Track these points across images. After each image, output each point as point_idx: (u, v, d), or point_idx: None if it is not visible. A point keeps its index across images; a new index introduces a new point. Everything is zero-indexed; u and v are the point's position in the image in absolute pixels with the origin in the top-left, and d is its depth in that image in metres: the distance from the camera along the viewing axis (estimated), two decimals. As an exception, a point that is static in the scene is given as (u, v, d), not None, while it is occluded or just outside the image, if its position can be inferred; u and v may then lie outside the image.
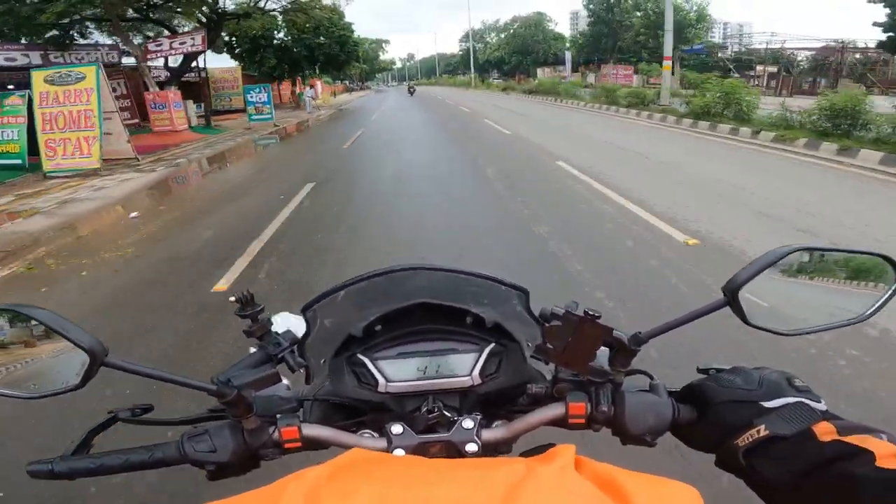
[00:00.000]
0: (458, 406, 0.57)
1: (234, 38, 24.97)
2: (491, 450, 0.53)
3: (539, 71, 56.51)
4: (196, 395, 0.49)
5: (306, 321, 0.58)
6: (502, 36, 69.49)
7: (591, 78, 44.64)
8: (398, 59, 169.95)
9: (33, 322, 0.44)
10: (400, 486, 0.35)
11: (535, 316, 0.57)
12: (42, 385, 0.48)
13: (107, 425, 0.55)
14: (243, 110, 21.39)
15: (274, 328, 0.58)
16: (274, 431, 0.52)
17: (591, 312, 0.47)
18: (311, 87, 22.33)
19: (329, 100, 30.81)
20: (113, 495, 1.73)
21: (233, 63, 26.51)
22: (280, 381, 0.53)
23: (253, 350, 0.57)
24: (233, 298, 0.55)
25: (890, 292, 0.51)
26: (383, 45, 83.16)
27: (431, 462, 0.42)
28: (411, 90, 44.84)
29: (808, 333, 0.52)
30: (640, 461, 0.50)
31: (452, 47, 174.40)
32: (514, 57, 60.46)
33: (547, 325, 0.49)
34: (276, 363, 0.55)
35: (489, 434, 0.53)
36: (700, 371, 0.55)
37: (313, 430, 0.52)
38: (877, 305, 0.51)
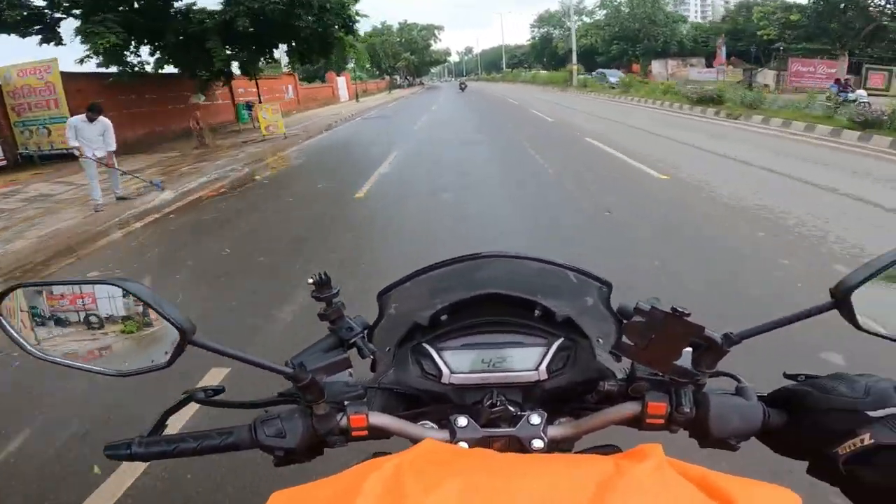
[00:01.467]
0: (521, 401, 0.55)
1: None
2: (554, 448, 0.52)
3: (656, 64, 39.43)
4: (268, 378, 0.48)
5: (379, 307, 0.58)
6: (588, 19, 52.20)
7: (765, 77, 27.40)
8: (455, 53, 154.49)
9: (129, 298, 0.45)
10: (485, 479, 0.34)
11: (613, 311, 0.56)
12: (131, 362, 0.48)
13: (181, 405, 0.55)
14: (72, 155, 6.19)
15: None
16: (342, 418, 0.51)
17: (679, 310, 0.45)
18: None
19: (279, 122, 12.79)
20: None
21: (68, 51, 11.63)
22: (350, 366, 0.53)
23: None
24: (310, 280, 0.54)
25: None
26: (436, 31, 67.81)
27: (509, 456, 0.42)
28: (462, 86, 41.88)
29: None
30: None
31: (517, 39, 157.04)
32: (616, 45, 43.15)
33: (627, 321, 0.47)
34: (347, 348, 0.54)
35: (555, 431, 0.51)
36: (787, 377, 0.53)
37: (380, 419, 0.52)
38: None
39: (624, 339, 0.47)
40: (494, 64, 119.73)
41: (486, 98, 28.02)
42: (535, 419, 0.51)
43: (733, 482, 0.33)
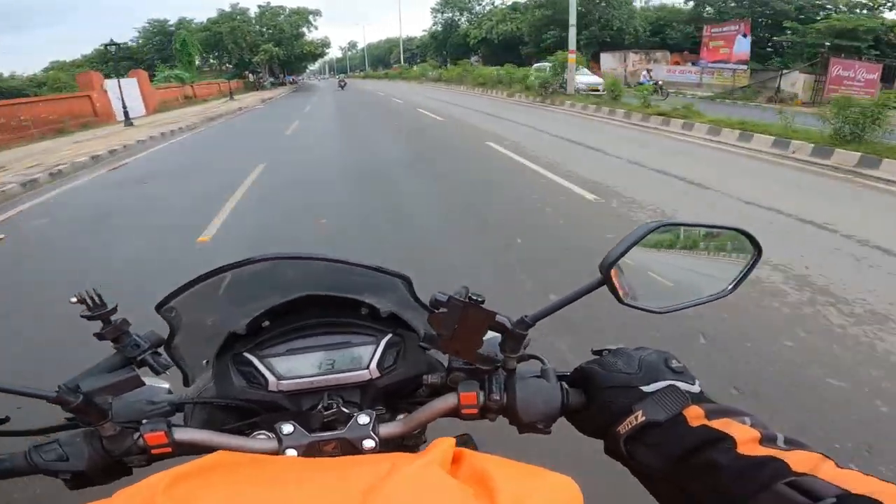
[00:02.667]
0: (360, 401, 0.55)
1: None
2: (394, 445, 0.52)
3: (607, 57, 29.20)
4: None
5: (167, 321, 0.54)
6: (502, 1, 41.36)
7: (795, 83, 18.19)
8: (338, 48, 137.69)
9: None
10: (251, 490, 0.33)
11: (423, 303, 0.56)
12: None
13: None
14: None
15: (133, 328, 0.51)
16: (138, 437, 0.49)
17: (474, 297, 0.46)
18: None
19: None
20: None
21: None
22: (142, 384, 0.49)
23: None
24: (74, 299, 0.47)
25: (748, 267, 0.52)
26: (311, 18, 52.48)
27: (300, 462, 0.42)
28: (342, 84, 39.24)
29: (677, 311, 0.51)
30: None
31: (409, 31, 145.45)
32: (552, 31, 32.35)
33: (433, 312, 0.47)
34: (139, 366, 0.50)
35: (386, 429, 0.51)
36: (594, 353, 0.53)
37: (188, 435, 0.49)
38: (737, 280, 0.52)
39: (431, 330, 0.47)
40: (381, 59, 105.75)
41: (417, 130, 11.37)
42: (364, 419, 0.50)
43: (514, 471, 0.34)
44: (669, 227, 0.52)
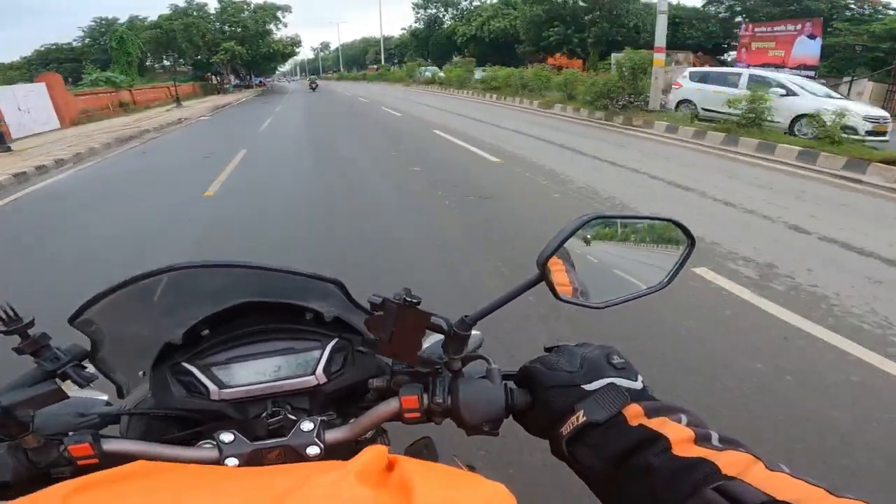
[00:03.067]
0: (308, 408, 0.54)
1: None
2: (345, 450, 0.50)
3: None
4: None
5: (85, 333, 0.52)
6: None
7: (862, 93, 14.99)
8: (310, 49, 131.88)
9: None
10: (159, 499, 0.33)
11: (361, 306, 0.55)
12: None
13: None
14: None
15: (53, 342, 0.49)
16: (63, 450, 0.48)
17: (409, 299, 0.45)
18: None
19: None
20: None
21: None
22: (65, 397, 0.48)
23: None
24: None
25: (682, 258, 0.52)
26: (279, 14, 47.49)
27: (219, 471, 0.42)
28: (313, 86, 36.54)
29: (614, 305, 0.51)
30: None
31: (386, 31, 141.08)
32: (554, 29, 28.69)
33: (370, 315, 0.46)
34: (63, 379, 0.49)
35: (332, 435, 0.50)
36: (546, 350, 0.53)
37: (118, 446, 0.48)
38: (672, 272, 0.52)
39: (369, 334, 0.46)
40: (356, 60, 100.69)
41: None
42: (307, 426, 0.49)
43: (443, 479, 0.33)
44: (603, 219, 0.51)
